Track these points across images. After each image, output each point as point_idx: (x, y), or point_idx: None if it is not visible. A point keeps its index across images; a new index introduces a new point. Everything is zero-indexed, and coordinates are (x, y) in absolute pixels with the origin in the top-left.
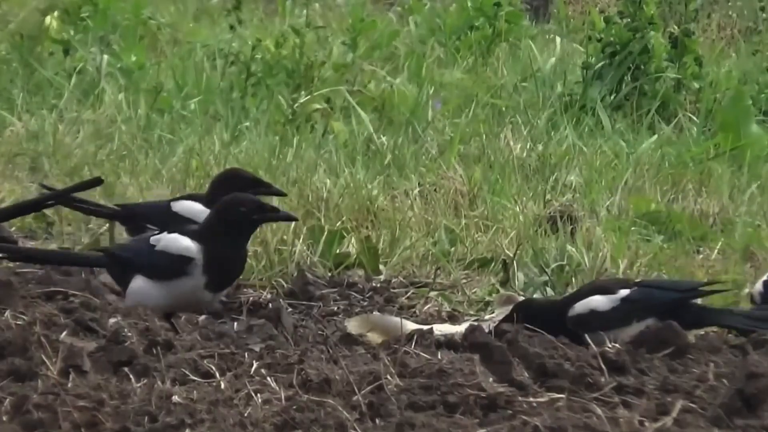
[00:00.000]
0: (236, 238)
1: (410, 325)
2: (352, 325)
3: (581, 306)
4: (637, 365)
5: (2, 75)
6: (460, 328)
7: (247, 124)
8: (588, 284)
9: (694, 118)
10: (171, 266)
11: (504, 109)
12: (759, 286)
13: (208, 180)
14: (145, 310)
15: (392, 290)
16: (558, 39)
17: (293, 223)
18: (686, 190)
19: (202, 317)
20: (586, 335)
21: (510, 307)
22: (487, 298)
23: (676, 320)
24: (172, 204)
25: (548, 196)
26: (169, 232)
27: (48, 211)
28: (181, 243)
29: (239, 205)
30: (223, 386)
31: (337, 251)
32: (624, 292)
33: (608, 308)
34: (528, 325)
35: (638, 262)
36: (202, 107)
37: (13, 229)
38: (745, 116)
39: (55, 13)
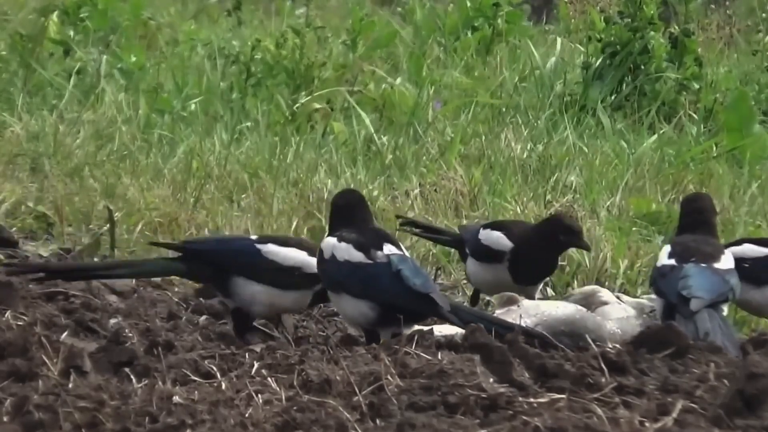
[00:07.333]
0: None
1: None
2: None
3: None
4: (637, 365)
5: (2, 76)
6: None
7: (248, 124)
8: None
9: (695, 117)
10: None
11: (504, 109)
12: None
13: (209, 180)
14: (146, 310)
15: None
16: (558, 39)
17: (293, 224)
18: (687, 190)
19: (203, 318)
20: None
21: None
22: (488, 299)
23: None
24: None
25: (549, 197)
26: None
27: (48, 212)
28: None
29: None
30: (223, 387)
31: None
32: None
33: None
34: None
35: (639, 262)
36: (203, 108)
37: (14, 229)
38: (748, 117)
39: (55, 14)
